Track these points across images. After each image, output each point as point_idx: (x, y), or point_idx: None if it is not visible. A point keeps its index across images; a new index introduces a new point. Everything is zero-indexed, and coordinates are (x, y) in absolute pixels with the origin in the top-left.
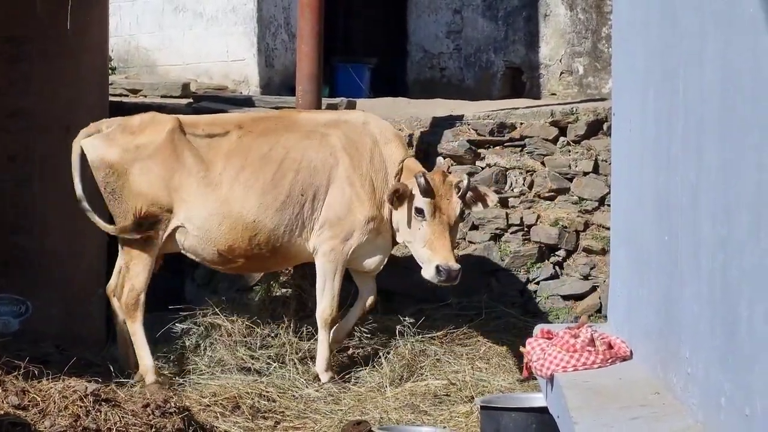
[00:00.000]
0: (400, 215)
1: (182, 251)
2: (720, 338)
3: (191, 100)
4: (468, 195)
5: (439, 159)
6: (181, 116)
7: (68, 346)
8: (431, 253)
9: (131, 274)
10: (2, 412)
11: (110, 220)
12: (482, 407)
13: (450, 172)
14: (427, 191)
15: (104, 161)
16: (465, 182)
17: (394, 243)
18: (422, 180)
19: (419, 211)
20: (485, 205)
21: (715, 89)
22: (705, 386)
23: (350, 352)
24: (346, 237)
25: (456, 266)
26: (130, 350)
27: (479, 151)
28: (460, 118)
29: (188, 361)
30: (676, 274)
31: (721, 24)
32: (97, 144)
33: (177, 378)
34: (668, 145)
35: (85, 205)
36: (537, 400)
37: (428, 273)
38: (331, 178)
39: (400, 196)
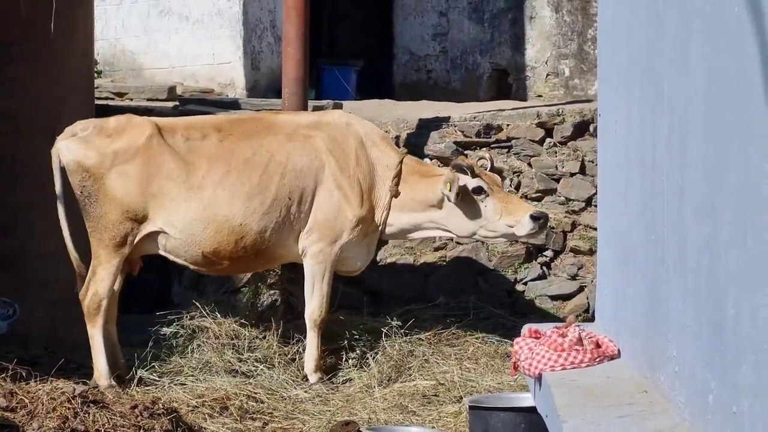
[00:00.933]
0: (446, 212)
1: (163, 253)
2: (706, 336)
3: (177, 103)
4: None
5: (426, 160)
6: (157, 119)
7: (56, 348)
8: (514, 216)
9: (96, 279)
10: None
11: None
12: (471, 407)
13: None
14: (474, 171)
15: (80, 165)
16: (487, 156)
17: (380, 244)
18: (465, 163)
19: (479, 190)
20: (503, 179)
21: (699, 89)
22: (692, 384)
23: (339, 353)
24: (335, 238)
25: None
26: (116, 351)
27: (466, 152)
28: (447, 119)
29: (175, 363)
30: (662, 273)
31: (706, 23)
32: (73, 147)
33: (164, 380)
34: (653, 145)
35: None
36: (525, 399)
37: (524, 228)
38: (318, 181)
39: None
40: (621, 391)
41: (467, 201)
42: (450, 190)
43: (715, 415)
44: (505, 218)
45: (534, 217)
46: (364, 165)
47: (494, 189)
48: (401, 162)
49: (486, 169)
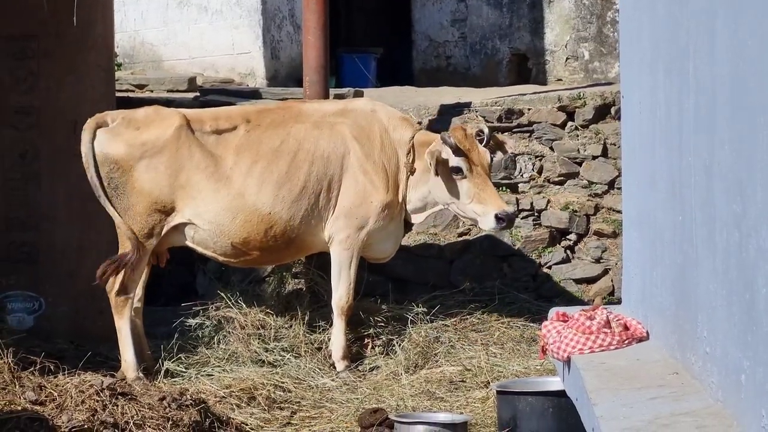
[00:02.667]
0: (431, 184)
1: (191, 245)
2: (737, 316)
3: (198, 94)
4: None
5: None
6: (185, 111)
7: (82, 341)
8: (483, 206)
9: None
10: (20, 408)
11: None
12: (498, 392)
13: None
14: (458, 149)
15: (109, 157)
16: (486, 130)
17: (406, 230)
18: (451, 140)
19: (457, 170)
20: (504, 152)
21: (726, 66)
22: (724, 364)
23: (365, 341)
24: (362, 224)
25: (512, 209)
26: (143, 343)
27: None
28: (468, 105)
29: (202, 354)
30: (690, 253)
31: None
32: (101, 139)
33: (191, 371)
34: (680, 125)
35: (100, 192)
36: (553, 383)
37: (487, 224)
38: (344, 167)
39: (436, 163)
40: (651, 373)
41: (447, 176)
42: (430, 164)
43: (748, 394)
44: (475, 205)
45: (498, 218)
46: (389, 150)
47: (474, 171)
48: (412, 137)
49: (483, 143)
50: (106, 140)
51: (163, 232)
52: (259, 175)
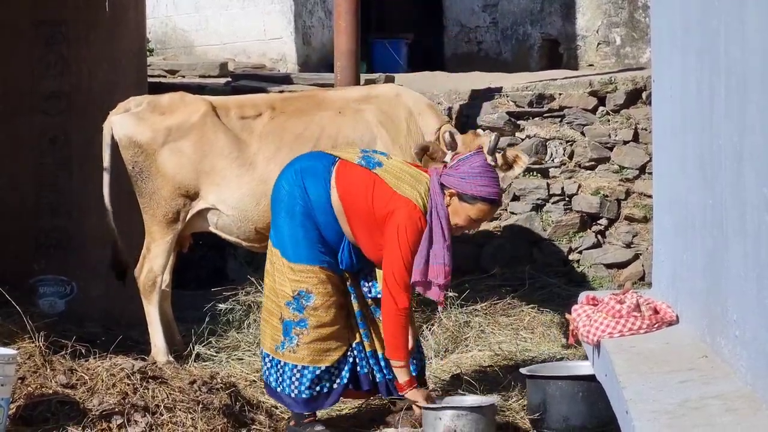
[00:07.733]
0: None
1: (214, 231)
2: None
3: (229, 79)
4: (499, 159)
5: (479, 131)
6: (211, 98)
7: (113, 325)
8: None
9: (151, 256)
10: (51, 391)
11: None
12: (528, 377)
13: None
14: (452, 145)
15: (133, 141)
16: (493, 138)
17: None
18: (447, 134)
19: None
20: (519, 167)
21: (757, 48)
22: (754, 348)
23: None
24: None
25: None
26: (172, 327)
27: (519, 122)
28: (499, 90)
29: (232, 338)
30: (721, 237)
31: None
32: (125, 123)
33: (221, 355)
34: (710, 108)
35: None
36: (583, 368)
37: None
38: None
39: (430, 155)
40: (681, 357)
41: None
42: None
43: None
44: None
45: None
46: (415, 135)
47: None
48: (439, 128)
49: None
50: (131, 124)
51: (187, 218)
52: (282, 161)
